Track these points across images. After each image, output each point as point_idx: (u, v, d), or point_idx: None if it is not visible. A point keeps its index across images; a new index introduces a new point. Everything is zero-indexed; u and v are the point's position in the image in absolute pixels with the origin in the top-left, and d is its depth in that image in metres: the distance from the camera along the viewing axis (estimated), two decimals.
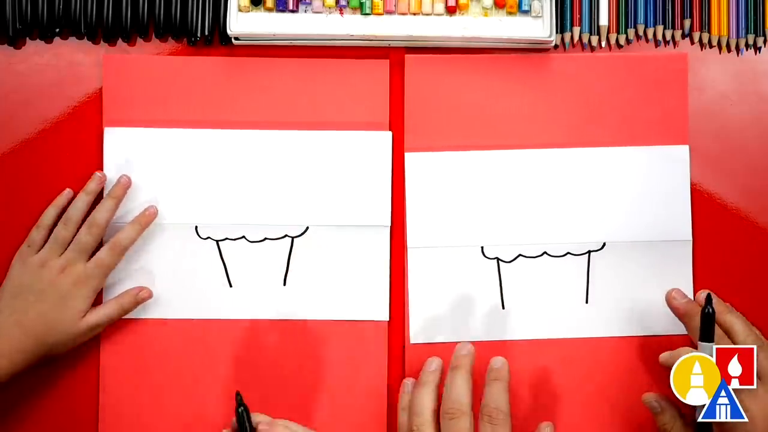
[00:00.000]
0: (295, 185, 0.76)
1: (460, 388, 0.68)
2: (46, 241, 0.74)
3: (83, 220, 0.74)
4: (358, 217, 0.76)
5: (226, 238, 0.76)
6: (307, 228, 0.76)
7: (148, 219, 0.75)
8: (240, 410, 0.67)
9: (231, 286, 0.76)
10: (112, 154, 0.76)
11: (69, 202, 0.75)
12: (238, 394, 0.67)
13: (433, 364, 0.72)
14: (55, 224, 0.74)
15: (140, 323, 0.76)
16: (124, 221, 0.75)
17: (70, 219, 0.74)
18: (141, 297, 0.75)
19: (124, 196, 0.75)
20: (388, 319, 0.76)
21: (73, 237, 0.73)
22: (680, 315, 0.73)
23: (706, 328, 0.66)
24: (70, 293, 0.72)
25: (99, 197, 0.75)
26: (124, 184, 0.75)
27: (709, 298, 0.67)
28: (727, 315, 0.70)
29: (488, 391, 0.69)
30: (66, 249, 0.73)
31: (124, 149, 0.76)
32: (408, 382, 0.73)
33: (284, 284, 0.76)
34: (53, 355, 0.72)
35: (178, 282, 0.76)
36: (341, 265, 0.76)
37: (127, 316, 0.75)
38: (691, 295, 0.75)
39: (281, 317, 0.76)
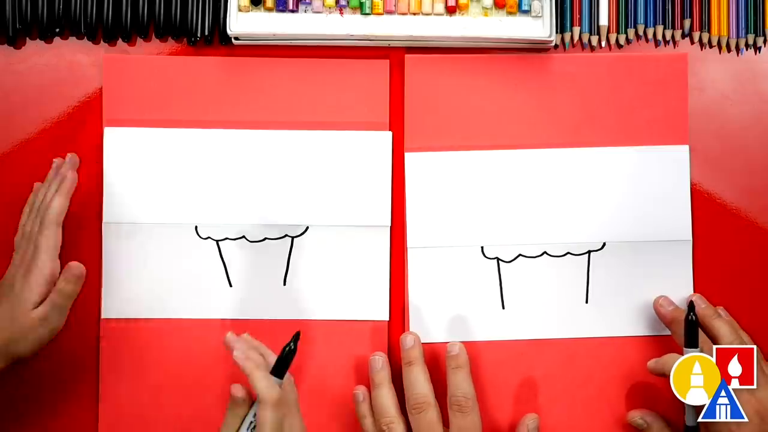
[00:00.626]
0: (295, 185, 0.76)
1: (419, 381, 0.70)
2: None
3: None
4: (358, 217, 0.76)
5: (226, 238, 0.76)
6: (307, 228, 0.76)
7: (70, 186, 0.71)
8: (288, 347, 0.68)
9: (231, 285, 0.76)
10: (112, 154, 0.76)
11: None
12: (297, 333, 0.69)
13: (379, 362, 0.73)
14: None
15: (140, 323, 0.76)
16: (128, 221, 0.76)
17: (32, 212, 0.71)
18: (72, 273, 0.67)
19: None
20: (388, 319, 0.76)
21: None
22: (667, 322, 0.74)
23: (690, 334, 0.67)
24: (22, 286, 0.67)
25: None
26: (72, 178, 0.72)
27: (691, 306, 0.69)
28: (715, 320, 0.71)
29: (452, 380, 0.70)
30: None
31: (124, 149, 0.76)
32: (359, 391, 0.73)
33: (284, 284, 0.76)
34: (16, 357, 0.67)
35: (178, 282, 0.76)
36: (341, 265, 0.76)
37: (126, 316, 0.75)
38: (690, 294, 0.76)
39: (281, 317, 0.76)
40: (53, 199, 0.70)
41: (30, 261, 0.68)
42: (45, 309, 0.67)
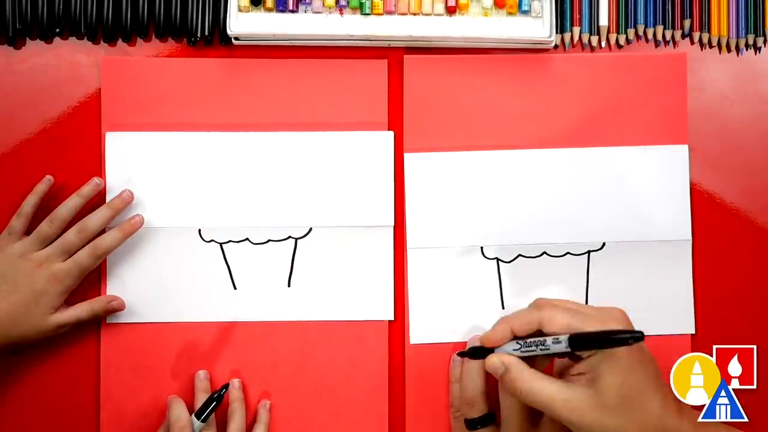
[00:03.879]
0: (298, 187, 0.76)
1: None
2: (26, 229, 0.73)
3: (71, 221, 0.73)
4: (361, 218, 0.76)
5: (230, 241, 0.76)
6: (311, 229, 0.76)
7: (132, 228, 0.74)
8: (215, 395, 0.72)
9: (235, 288, 0.76)
10: (114, 159, 0.76)
11: (49, 189, 0.75)
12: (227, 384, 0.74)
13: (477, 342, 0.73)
14: (34, 212, 0.74)
15: (143, 326, 0.76)
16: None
17: (57, 218, 0.73)
18: (111, 307, 0.74)
19: (123, 210, 0.75)
20: (393, 318, 0.76)
21: (57, 236, 0.73)
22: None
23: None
24: (44, 289, 0.71)
25: (99, 203, 0.75)
26: (125, 199, 0.75)
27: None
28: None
29: None
30: (47, 245, 0.73)
31: (126, 153, 0.76)
32: (457, 354, 0.74)
33: (288, 286, 0.76)
34: (15, 346, 0.71)
35: (182, 285, 0.76)
36: (345, 266, 0.76)
37: (130, 320, 0.75)
38: (690, 294, 0.76)
39: (286, 319, 0.76)
40: (112, 233, 0.74)
41: (63, 272, 0.72)
42: (66, 318, 0.72)
